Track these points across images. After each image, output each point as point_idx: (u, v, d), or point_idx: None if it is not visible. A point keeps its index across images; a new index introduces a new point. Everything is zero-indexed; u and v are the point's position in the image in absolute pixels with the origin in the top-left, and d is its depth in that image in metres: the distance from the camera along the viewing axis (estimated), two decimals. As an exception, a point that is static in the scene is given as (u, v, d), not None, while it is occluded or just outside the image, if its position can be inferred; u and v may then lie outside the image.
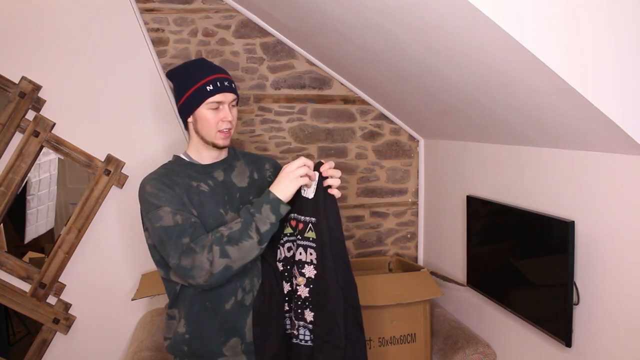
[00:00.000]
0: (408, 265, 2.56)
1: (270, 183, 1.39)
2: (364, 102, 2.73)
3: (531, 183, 1.83)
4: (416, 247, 2.87)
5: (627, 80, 1.23)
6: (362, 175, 2.79)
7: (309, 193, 1.34)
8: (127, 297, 2.40)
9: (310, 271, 1.34)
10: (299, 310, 1.35)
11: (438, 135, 2.57)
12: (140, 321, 2.43)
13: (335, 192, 1.35)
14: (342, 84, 2.69)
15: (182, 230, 1.29)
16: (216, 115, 1.38)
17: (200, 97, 1.37)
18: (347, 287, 1.35)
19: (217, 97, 1.37)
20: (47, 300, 2.36)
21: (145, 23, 2.47)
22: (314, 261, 1.33)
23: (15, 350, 2.79)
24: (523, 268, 1.85)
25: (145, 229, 1.41)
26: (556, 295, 1.61)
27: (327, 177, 1.35)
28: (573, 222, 1.54)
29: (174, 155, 1.50)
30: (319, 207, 1.32)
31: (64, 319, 2.37)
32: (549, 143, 1.69)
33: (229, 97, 1.39)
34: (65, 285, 2.38)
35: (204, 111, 1.38)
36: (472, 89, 1.69)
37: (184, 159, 1.46)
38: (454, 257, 2.44)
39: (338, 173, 1.36)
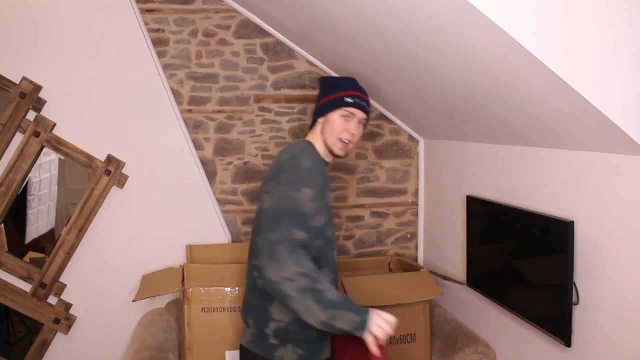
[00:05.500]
0: (408, 265, 2.56)
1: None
2: (364, 102, 2.73)
3: (531, 183, 1.83)
4: (416, 247, 2.87)
5: (627, 80, 1.23)
6: (362, 175, 2.79)
7: None
8: (127, 297, 2.40)
9: None
10: None
11: (438, 135, 2.57)
12: (140, 321, 2.43)
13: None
14: (342, 84, 2.69)
15: (304, 242, 1.32)
16: (344, 124, 1.53)
17: (339, 103, 1.54)
18: None
19: (352, 109, 1.53)
20: (48, 300, 2.36)
21: (146, 23, 2.48)
22: None
23: (16, 350, 2.80)
24: (523, 268, 1.85)
25: (267, 192, 1.42)
26: (556, 295, 1.61)
27: None
28: (572, 222, 1.54)
29: (308, 142, 1.57)
30: None
31: (64, 319, 2.38)
32: (549, 143, 1.69)
33: (360, 114, 1.55)
34: (66, 285, 2.38)
35: (336, 117, 1.54)
36: (472, 89, 1.69)
37: (314, 149, 1.56)
38: (453, 257, 2.44)
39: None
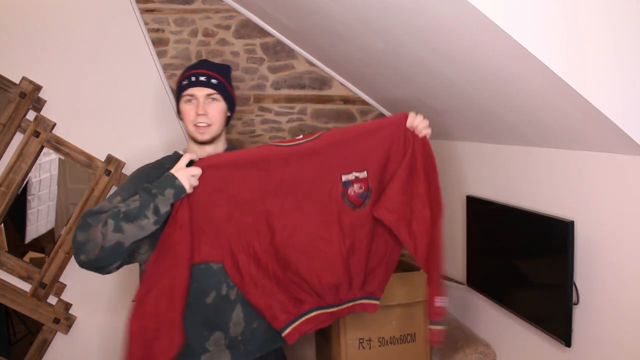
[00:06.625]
0: (408, 265, 2.56)
1: None
2: (364, 102, 2.73)
3: (531, 183, 1.83)
4: (416, 247, 2.87)
5: (627, 80, 1.23)
6: (362, 175, 2.79)
7: None
8: (127, 296, 2.40)
9: None
10: None
11: (438, 135, 2.57)
12: (140, 321, 2.43)
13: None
14: (342, 84, 2.69)
15: (96, 211, 1.28)
16: (190, 109, 1.43)
17: (179, 91, 1.46)
18: None
19: (189, 90, 1.42)
20: (48, 300, 2.36)
21: (146, 23, 2.48)
22: None
23: (16, 350, 2.80)
24: (523, 268, 1.85)
25: None
26: (556, 295, 1.61)
27: None
28: (573, 222, 1.54)
29: (174, 152, 1.54)
30: None
31: (64, 319, 2.37)
32: (549, 143, 1.69)
33: (201, 90, 1.42)
34: (66, 285, 2.38)
35: (182, 105, 1.45)
36: (472, 89, 1.69)
37: (179, 154, 1.51)
38: (453, 257, 2.43)
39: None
